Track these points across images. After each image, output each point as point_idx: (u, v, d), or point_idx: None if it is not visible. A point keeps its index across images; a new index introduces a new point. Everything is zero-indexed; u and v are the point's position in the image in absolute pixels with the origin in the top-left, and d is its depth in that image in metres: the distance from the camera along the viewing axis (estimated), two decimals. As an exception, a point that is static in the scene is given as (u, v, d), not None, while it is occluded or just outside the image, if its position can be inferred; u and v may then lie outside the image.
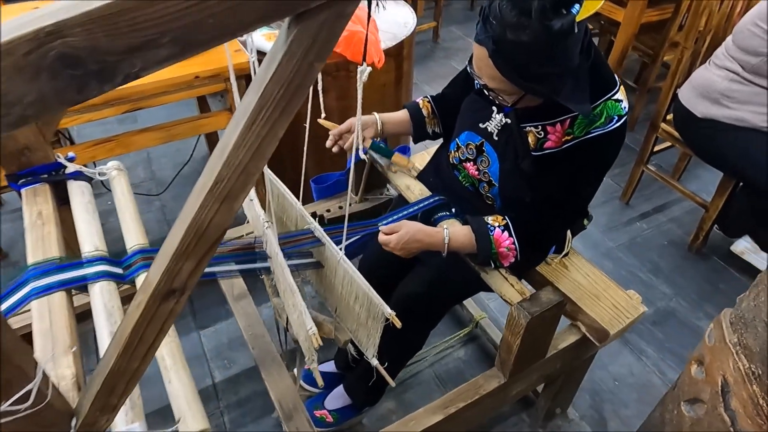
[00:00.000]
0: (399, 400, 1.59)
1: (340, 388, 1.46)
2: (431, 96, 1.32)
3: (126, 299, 0.86)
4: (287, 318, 1.09)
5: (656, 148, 2.13)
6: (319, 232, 1.04)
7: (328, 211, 1.49)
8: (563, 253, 1.29)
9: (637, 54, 2.63)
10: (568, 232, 1.27)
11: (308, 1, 0.39)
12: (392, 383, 0.98)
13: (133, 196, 1.03)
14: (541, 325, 1.02)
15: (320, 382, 1.07)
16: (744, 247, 1.95)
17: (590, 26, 2.76)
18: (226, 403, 1.58)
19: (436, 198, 1.24)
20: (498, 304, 1.86)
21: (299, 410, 1.07)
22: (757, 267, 1.94)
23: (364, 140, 1.26)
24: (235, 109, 0.71)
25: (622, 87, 1.01)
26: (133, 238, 0.93)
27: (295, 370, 1.25)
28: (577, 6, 0.82)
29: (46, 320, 0.77)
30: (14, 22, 0.33)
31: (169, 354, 0.76)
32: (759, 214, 1.82)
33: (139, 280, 0.88)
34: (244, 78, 1.49)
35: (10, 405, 0.46)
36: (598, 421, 1.56)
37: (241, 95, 0.92)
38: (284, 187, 1.11)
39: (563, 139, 1.01)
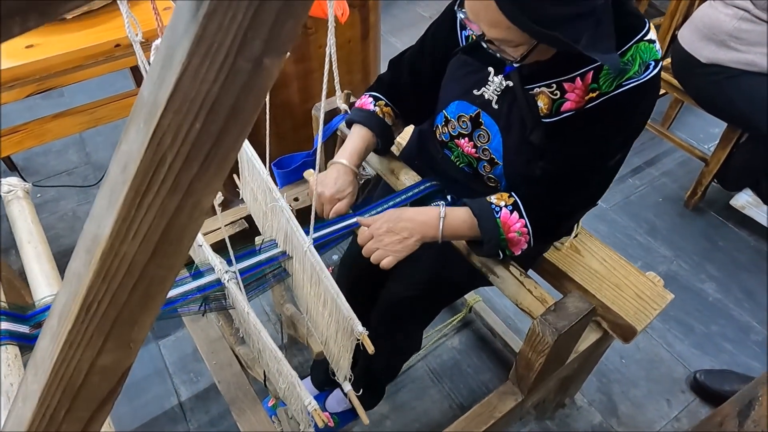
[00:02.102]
0: (392, 401, 1.44)
1: (339, 392, 1.29)
2: (382, 93, 1.03)
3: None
4: (264, 375, 0.88)
5: (650, 97, 1.95)
6: (287, 212, 0.82)
7: (296, 200, 1.26)
8: (573, 234, 1.12)
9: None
10: (579, 211, 1.09)
11: None
12: (365, 420, 0.79)
13: (41, 228, 0.77)
14: (569, 338, 0.84)
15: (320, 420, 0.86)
16: (745, 200, 1.83)
17: None
18: (197, 424, 1.39)
19: (429, 183, 1.02)
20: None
21: (282, 456, 0.89)
22: (757, 221, 1.82)
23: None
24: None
25: (651, 25, 0.79)
26: (44, 286, 0.69)
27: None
28: None
29: None
30: None
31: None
32: (766, 165, 1.69)
33: (49, 343, 0.65)
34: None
35: None
36: (608, 405, 1.44)
37: None
38: (251, 149, 0.89)
39: (587, 98, 0.79)
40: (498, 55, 0.78)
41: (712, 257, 1.80)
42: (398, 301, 1.09)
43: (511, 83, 0.85)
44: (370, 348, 0.70)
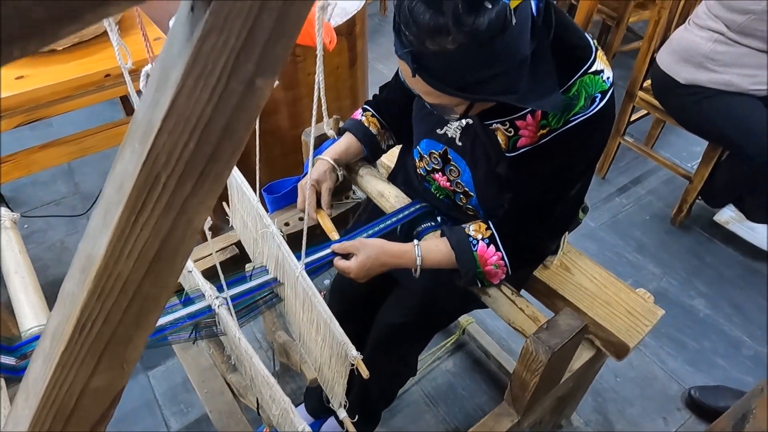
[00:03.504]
0: (388, 426, 1.42)
1: (333, 419, 1.27)
2: (373, 106, 1.09)
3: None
4: (257, 402, 0.87)
5: (632, 118, 2.00)
6: (278, 239, 0.82)
7: (287, 224, 1.26)
8: (559, 252, 1.13)
9: (601, 17, 2.48)
10: (564, 230, 1.10)
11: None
12: None
13: (28, 258, 0.77)
14: (562, 356, 0.84)
15: None
16: (728, 216, 1.86)
17: None
18: (187, 457, 1.35)
19: (418, 206, 1.03)
20: (483, 304, 1.70)
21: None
22: (741, 237, 1.85)
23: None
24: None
25: (599, 52, 0.80)
26: (31, 317, 0.69)
27: None
28: None
29: None
30: None
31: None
32: (748, 182, 1.72)
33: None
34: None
35: None
36: (604, 425, 1.43)
37: None
38: (241, 177, 0.90)
39: (539, 133, 0.81)
40: (443, 115, 0.80)
41: (700, 273, 1.81)
42: (392, 326, 1.08)
43: (470, 121, 0.86)
44: (365, 372, 0.69)
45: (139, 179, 0.21)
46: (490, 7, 0.61)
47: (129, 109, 1.92)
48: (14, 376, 0.64)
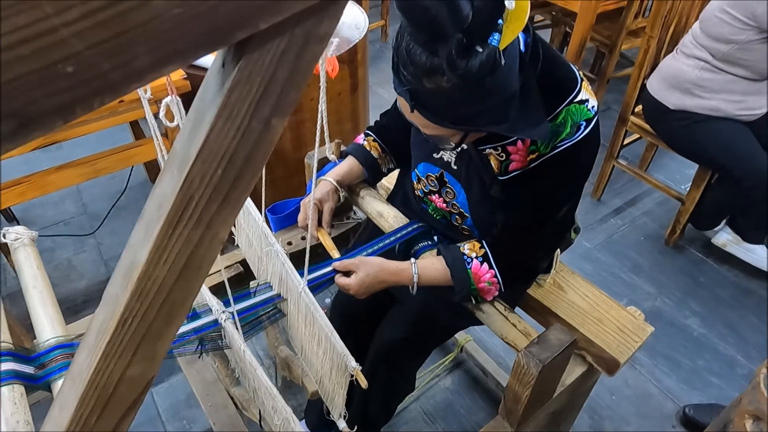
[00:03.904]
0: (386, 444, 1.43)
1: None
2: (374, 131, 1.15)
3: (37, 408, 0.66)
4: (260, 414, 0.91)
5: (625, 141, 2.06)
6: (282, 256, 0.87)
7: (290, 243, 1.31)
8: (552, 270, 1.17)
9: (594, 44, 2.57)
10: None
11: (252, 21, 0.22)
12: None
13: (45, 274, 0.82)
14: (553, 369, 0.88)
15: None
16: (726, 239, 1.90)
17: (542, 18, 2.57)
18: (189, 473, 1.37)
19: (415, 226, 1.08)
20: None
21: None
22: (740, 258, 1.89)
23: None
24: (157, 144, 0.53)
25: (584, 82, 0.86)
26: (48, 329, 0.73)
27: None
28: (495, 35, 0.66)
29: None
30: None
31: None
32: (735, 204, 1.77)
33: (58, 385, 0.68)
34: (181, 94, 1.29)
35: None
36: (601, 443, 1.45)
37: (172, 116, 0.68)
38: (248, 199, 0.95)
39: (528, 158, 0.86)
40: (439, 145, 0.86)
41: (695, 293, 1.85)
42: (391, 342, 1.12)
43: (465, 146, 0.92)
44: (364, 383, 0.73)
45: (176, 200, 0.26)
46: (480, 50, 0.66)
47: (138, 133, 1.99)
48: (33, 384, 0.68)
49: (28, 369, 0.69)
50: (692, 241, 2.03)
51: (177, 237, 0.27)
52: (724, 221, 1.91)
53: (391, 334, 1.11)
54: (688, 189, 1.90)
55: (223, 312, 0.84)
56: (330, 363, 0.79)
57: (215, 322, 0.85)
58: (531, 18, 3.05)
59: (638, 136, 2.02)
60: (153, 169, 2.24)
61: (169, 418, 1.48)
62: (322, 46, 0.26)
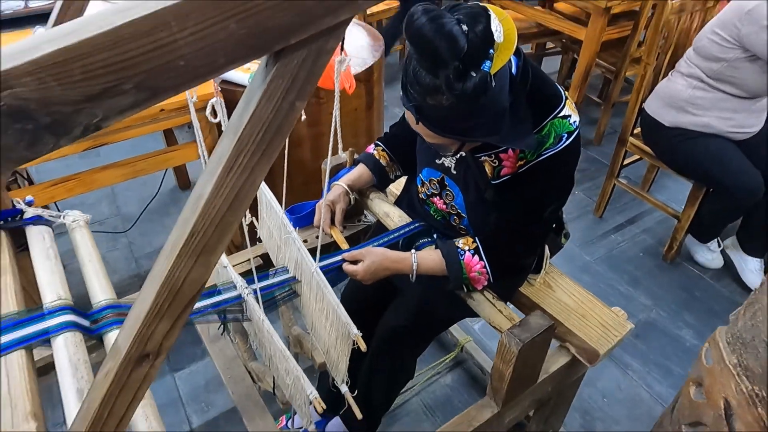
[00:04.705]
0: (387, 433, 1.54)
1: (338, 419, 1.40)
2: (383, 142, 1.30)
3: (94, 356, 0.80)
4: (273, 381, 1.03)
5: (625, 162, 2.17)
6: (297, 242, 1.00)
7: (305, 241, 1.44)
8: (542, 271, 1.28)
9: (600, 70, 2.70)
10: (546, 250, 1.26)
11: (286, 38, 0.36)
12: (359, 414, 0.94)
13: (98, 250, 0.96)
14: (533, 350, 0.99)
15: None
16: (730, 241, 2.02)
17: (553, 45, 2.75)
18: (206, 450, 1.49)
19: (417, 224, 1.21)
20: (483, 326, 1.84)
21: (285, 457, 1.01)
22: (733, 263, 1.99)
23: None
24: (200, 145, 0.67)
25: (568, 101, 0.99)
26: (100, 292, 0.87)
27: (290, 425, 1.19)
28: (487, 62, 0.79)
29: (4, 384, 0.70)
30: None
31: (147, 416, 0.70)
32: (733, 215, 1.87)
33: (109, 336, 0.82)
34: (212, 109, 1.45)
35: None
36: (591, 441, 1.53)
37: (204, 131, 0.85)
38: (270, 193, 1.09)
39: (518, 164, 0.99)
40: (439, 151, 1.00)
41: (689, 306, 1.93)
42: (392, 329, 1.24)
43: (463, 153, 1.05)
44: (363, 347, 0.85)
45: (231, 153, 0.39)
46: (474, 75, 0.79)
47: (171, 140, 2.17)
48: (89, 334, 0.82)
49: (85, 322, 0.83)
50: (689, 258, 2.12)
51: (231, 178, 0.40)
52: (715, 242, 2.00)
53: (393, 322, 1.23)
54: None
55: (246, 288, 0.98)
56: (336, 333, 0.92)
57: (239, 296, 0.98)
58: (543, 45, 3.21)
59: (638, 157, 2.13)
60: (181, 176, 2.42)
61: (189, 401, 1.61)
62: (329, 56, 0.40)
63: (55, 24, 0.83)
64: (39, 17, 3.84)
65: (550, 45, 3.23)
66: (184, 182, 2.44)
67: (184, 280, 0.43)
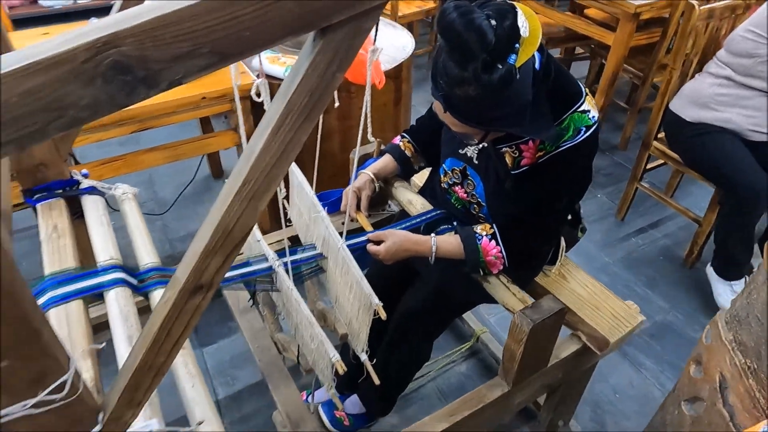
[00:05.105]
0: (402, 415, 1.60)
1: (355, 397, 1.47)
2: (410, 134, 1.37)
3: (141, 311, 0.88)
4: (297, 350, 1.11)
5: (649, 166, 2.19)
6: (326, 220, 1.07)
7: (332, 226, 1.52)
8: (557, 263, 1.33)
9: (628, 76, 2.71)
10: (562, 242, 1.31)
11: (330, 17, 0.44)
12: (377, 380, 1.01)
13: (143, 219, 1.06)
14: (543, 332, 1.04)
15: (339, 405, 1.10)
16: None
17: (582, 51, 2.81)
18: (229, 420, 1.58)
19: (438, 212, 1.27)
20: (498, 318, 1.88)
21: (306, 421, 1.09)
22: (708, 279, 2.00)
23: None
24: (241, 128, 0.75)
25: (588, 97, 1.05)
26: (147, 256, 0.96)
27: (310, 399, 1.26)
28: (512, 56, 0.85)
29: (65, 328, 0.79)
30: (73, 33, 0.37)
31: (186, 363, 0.79)
32: (736, 222, 1.86)
33: (154, 295, 0.90)
34: (249, 99, 1.54)
35: (47, 395, 0.48)
36: (600, 434, 1.57)
37: (245, 115, 0.94)
38: (301, 176, 1.17)
39: (537, 155, 1.05)
40: (464, 140, 1.06)
41: (707, 310, 1.94)
42: (410, 311, 1.30)
43: (485, 144, 1.11)
44: (383, 315, 0.92)
45: (280, 115, 0.47)
46: (500, 67, 0.86)
47: (206, 129, 2.28)
48: (136, 291, 0.91)
49: (133, 280, 0.92)
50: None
51: (279, 136, 0.47)
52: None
53: (412, 303, 1.29)
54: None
55: (277, 260, 1.06)
56: (358, 304, 0.99)
57: (269, 268, 1.06)
58: (572, 49, 3.23)
59: (662, 161, 2.14)
60: (215, 165, 2.53)
61: (216, 374, 1.70)
62: (366, 35, 0.47)
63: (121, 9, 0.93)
64: (87, 12, 4.03)
65: (578, 50, 3.25)
66: (217, 171, 2.55)
67: (236, 222, 0.50)
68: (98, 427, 0.55)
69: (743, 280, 1.94)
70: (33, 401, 0.48)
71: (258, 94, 0.80)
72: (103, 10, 3.99)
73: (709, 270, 1.98)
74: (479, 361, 1.75)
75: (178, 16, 0.38)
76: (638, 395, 1.67)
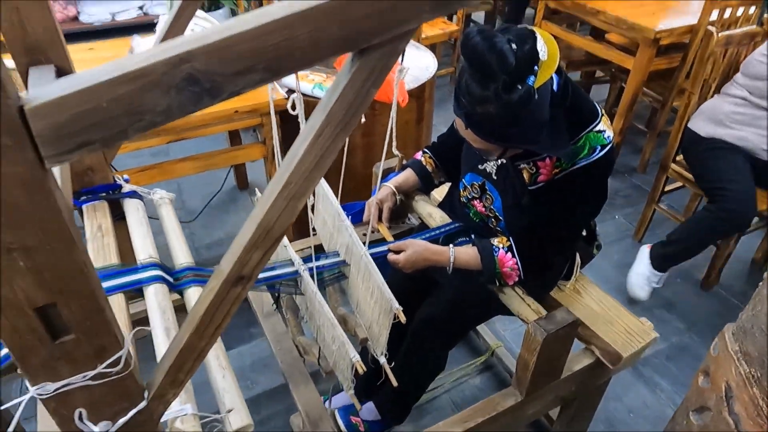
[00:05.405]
0: (417, 425, 1.63)
1: (371, 404, 1.51)
2: (431, 149, 1.43)
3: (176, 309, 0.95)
4: (318, 352, 1.16)
5: (667, 188, 2.21)
6: (350, 229, 1.13)
7: (353, 237, 1.58)
8: (573, 278, 1.36)
9: (647, 100, 2.75)
10: (577, 258, 1.34)
11: (370, 39, 0.50)
12: (395, 382, 1.05)
13: (179, 223, 1.13)
14: (556, 342, 1.08)
15: (358, 406, 1.14)
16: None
17: (602, 74, 2.87)
18: (249, 422, 1.62)
19: (456, 225, 1.32)
20: (513, 334, 1.91)
21: (324, 421, 1.13)
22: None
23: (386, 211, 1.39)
24: (270, 141, 0.82)
25: (604, 117, 1.10)
26: (182, 256, 1.03)
27: (327, 404, 1.31)
28: (531, 77, 0.91)
29: (108, 318, 0.86)
30: (155, 49, 0.43)
31: (218, 356, 0.85)
32: (714, 226, 1.86)
33: (189, 292, 0.97)
34: (279, 114, 1.62)
35: (105, 367, 0.54)
36: (614, 452, 1.57)
37: (278, 129, 1.00)
38: (327, 187, 1.23)
39: (553, 172, 1.10)
40: (483, 156, 1.12)
41: (725, 334, 1.93)
42: (427, 319, 1.34)
43: (504, 161, 1.16)
44: (403, 319, 0.97)
45: (321, 124, 0.53)
46: (520, 88, 0.92)
47: (234, 141, 2.37)
48: (173, 288, 0.97)
49: (169, 278, 0.99)
50: (729, 288, 2.12)
51: (318, 143, 0.53)
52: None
53: (430, 312, 1.34)
54: (725, 236, 2.01)
55: (302, 265, 1.11)
56: (379, 308, 1.04)
57: (295, 272, 1.12)
58: (593, 73, 3.28)
59: (681, 184, 2.16)
60: (241, 178, 2.62)
61: (236, 378, 1.75)
62: (398, 56, 0.53)
63: (164, 38, 1.01)
64: (125, 29, 4.22)
65: (599, 73, 3.30)
66: (243, 183, 2.64)
67: (276, 220, 0.56)
68: (144, 403, 0.61)
69: (664, 276, 2.00)
70: (93, 372, 0.54)
71: (293, 107, 0.87)
72: (141, 27, 4.18)
73: (644, 249, 2.00)
74: (493, 375, 1.77)
75: (242, 37, 0.44)
76: (653, 415, 1.67)
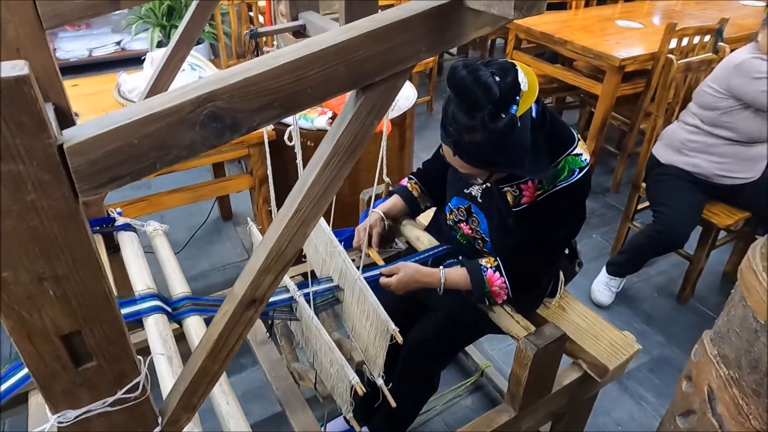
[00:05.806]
0: (410, 449, 1.63)
1: (366, 429, 1.51)
2: (416, 176, 1.49)
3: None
4: (315, 377, 1.18)
5: (639, 207, 2.31)
6: (343, 255, 1.16)
7: (343, 263, 1.61)
8: (557, 295, 1.41)
9: (616, 123, 2.88)
10: (561, 276, 1.40)
11: (372, 77, 0.55)
12: (393, 403, 1.06)
13: (173, 254, 1.15)
14: (546, 356, 1.11)
15: (357, 428, 1.15)
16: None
17: (572, 99, 3.01)
18: (241, 454, 1.61)
19: (444, 247, 1.37)
20: (501, 353, 1.94)
21: (323, 446, 1.14)
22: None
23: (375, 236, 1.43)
24: (257, 171, 0.86)
25: (581, 142, 1.17)
26: (179, 286, 1.05)
27: (323, 430, 1.32)
28: (513, 107, 0.98)
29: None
30: (181, 89, 0.47)
31: (221, 383, 0.86)
32: (650, 243, 2.03)
33: (187, 322, 0.98)
34: (259, 146, 1.65)
35: (124, 393, 0.56)
36: (604, 466, 1.60)
37: (263, 159, 1.04)
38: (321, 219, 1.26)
39: (536, 194, 1.16)
40: (470, 180, 1.18)
41: (703, 345, 2.00)
42: (419, 341, 1.37)
43: (489, 184, 1.22)
44: (400, 340, 1.00)
45: (329, 154, 0.57)
46: (504, 116, 0.98)
47: (218, 172, 2.39)
48: (171, 318, 0.99)
49: (168, 308, 1.00)
50: (702, 300, 2.20)
51: (327, 171, 0.58)
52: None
53: (422, 332, 1.36)
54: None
55: (297, 291, 1.14)
56: (375, 331, 1.06)
57: (291, 298, 1.14)
58: (563, 98, 3.42)
59: (652, 202, 2.26)
60: (225, 208, 2.63)
61: (227, 410, 1.73)
62: (398, 91, 0.58)
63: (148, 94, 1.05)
64: (102, 64, 4.24)
65: (569, 99, 3.44)
66: (227, 214, 2.65)
67: (287, 244, 0.60)
68: (158, 429, 0.62)
69: (622, 281, 2.19)
70: (112, 399, 0.56)
71: (290, 139, 0.91)
72: (118, 62, 4.20)
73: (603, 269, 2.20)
74: (484, 395, 1.80)
75: (261, 77, 0.49)
76: (640, 427, 1.71)
